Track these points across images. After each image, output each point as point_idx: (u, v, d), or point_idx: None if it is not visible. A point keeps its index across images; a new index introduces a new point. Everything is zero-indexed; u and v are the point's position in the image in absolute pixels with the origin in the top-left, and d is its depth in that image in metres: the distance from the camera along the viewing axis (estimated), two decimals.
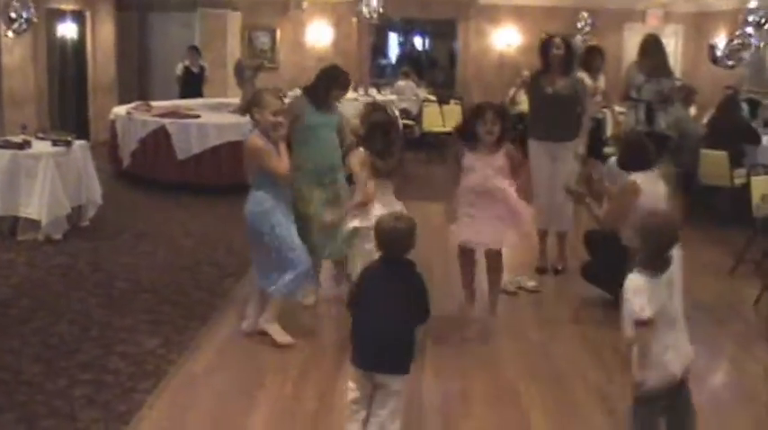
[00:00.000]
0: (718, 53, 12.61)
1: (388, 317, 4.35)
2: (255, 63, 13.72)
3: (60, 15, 14.95)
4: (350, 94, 12.48)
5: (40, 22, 12.54)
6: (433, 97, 17.66)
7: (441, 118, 16.83)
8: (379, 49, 21.24)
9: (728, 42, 12.68)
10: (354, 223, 6.04)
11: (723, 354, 6.35)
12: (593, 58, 10.71)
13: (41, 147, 9.14)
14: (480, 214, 6.33)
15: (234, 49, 17.46)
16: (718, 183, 10.08)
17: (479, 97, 17.96)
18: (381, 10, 16.33)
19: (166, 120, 11.91)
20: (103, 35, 16.36)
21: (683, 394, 4.19)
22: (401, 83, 17.08)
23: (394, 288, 4.40)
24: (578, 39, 16.87)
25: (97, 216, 9.62)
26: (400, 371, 4.39)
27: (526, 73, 8.04)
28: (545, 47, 7.90)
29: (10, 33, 10.06)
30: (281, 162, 5.81)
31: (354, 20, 18.06)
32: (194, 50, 15.60)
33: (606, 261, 7.03)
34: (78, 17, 15.51)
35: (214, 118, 12.26)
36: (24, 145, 9.03)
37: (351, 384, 4.48)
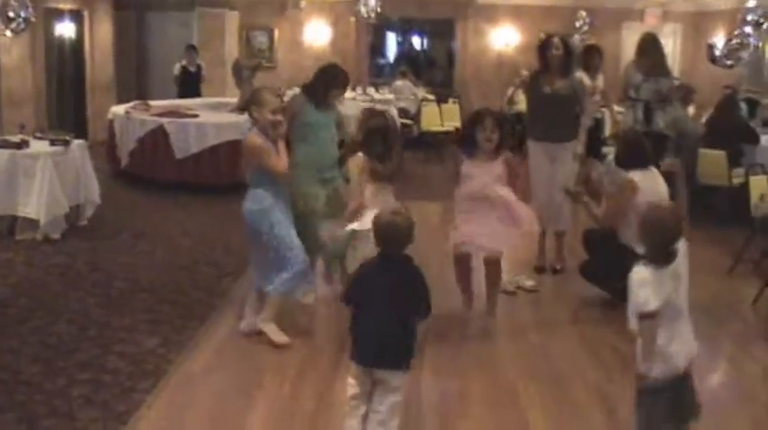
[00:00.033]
0: (717, 52, 12.59)
1: (388, 312, 4.35)
2: (253, 62, 13.72)
3: (58, 15, 14.95)
4: (348, 94, 12.50)
5: (38, 22, 12.53)
6: (431, 96, 17.66)
7: (439, 117, 16.83)
8: (378, 48, 21.24)
9: (727, 42, 12.66)
10: (353, 226, 6.04)
11: (721, 354, 6.34)
12: (591, 58, 10.71)
13: (39, 146, 9.13)
14: (478, 218, 6.30)
15: (232, 48, 17.47)
16: (717, 183, 10.08)
17: (477, 97, 18.06)
18: (379, 9, 16.33)
19: (165, 120, 11.91)
20: (101, 34, 16.36)
21: (688, 386, 4.19)
22: (399, 82, 17.09)
23: (392, 283, 4.39)
24: (576, 38, 16.86)
25: (95, 215, 9.61)
26: (400, 367, 4.40)
27: (525, 72, 8.04)
28: (543, 47, 7.89)
29: (8, 33, 10.03)
30: (279, 160, 5.80)
31: (352, 19, 18.06)
32: (192, 50, 15.58)
33: (604, 260, 7.03)
34: (76, 16, 15.52)
35: (212, 117, 12.26)
36: (22, 144, 9.03)
37: (350, 380, 4.48)
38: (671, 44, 17.64)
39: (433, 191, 10.90)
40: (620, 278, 6.62)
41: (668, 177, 8.62)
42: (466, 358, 5.95)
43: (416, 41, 22.84)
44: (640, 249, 6.61)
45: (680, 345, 4.05)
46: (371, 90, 17.81)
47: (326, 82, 6.78)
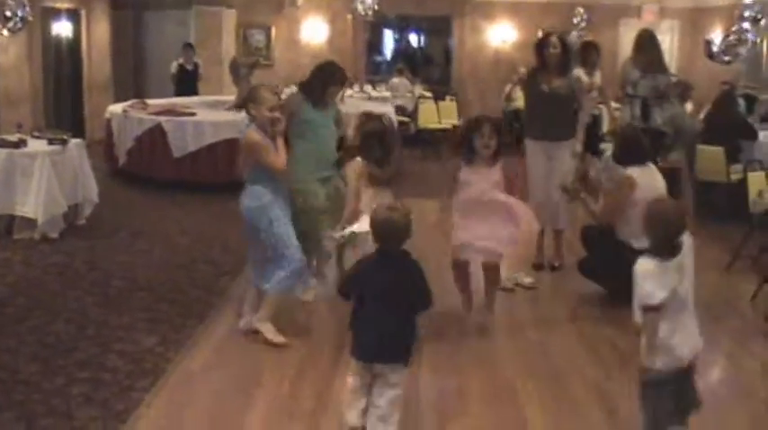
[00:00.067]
0: (715, 49, 12.59)
1: (387, 308, 4.36)
2: (251, 61, 13.73)
3: (55, 14, 14.94)
4: (347, 92, 12.52)
5: (35, 21, 12.51)
6: (428, 94, 17.67)
7: (436, 114, 16.84)
8: (375, 46, 21.21)
9: (725, 38, 12.66)
10: (353, 228, 6.04)
11: (720, 350, 6.34)
12: (588, 54, 10.72)
13: (37, 145, 9.13)
14: (476, 221, 6.26)
15: (229, 46, 17.48)
16: (715, 179, 10.09)
17: (475, 94, 18.09)
18: (376, 7, 16.35)
19: (162, 118, 11.90)
20: (99, 33, 16.35)
21: (690, 380, 4.19)
22: (395, 80, 17.10)
23: (391, 279, 4.39)
24: (574, 34, 16.87)
25: (93, 214, 9.61)
26: (399, 362, 4.41)
27: (522, 69, 8.03)
28: (541, 45, 7.88)
29: (5, 32, 10.02)
30: (278, 157, 5.79)
31: (349, 17, 18.06)
32: (189, 48, 15.58)
33: (603, 256, 7.05)
34: (73, 15, 15.50)
35: (210, 115, 12.25)
36: (20, 144, 9.02)
37: (351, 374, 4.50)
38: (668, 40, 17.64)
39: (430, 188, 10.89)
40: (617, 275, 6.69)
41: (673, 174, 8.64)
42: (464, 355, 5.94)
43: (413, 39, 22.81)
44: (638, 245, 6.66)
45: (683, 338, 4.06)
46: (368, 87, 17.83)
47: (324, 80, 6.76)
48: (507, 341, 6.28)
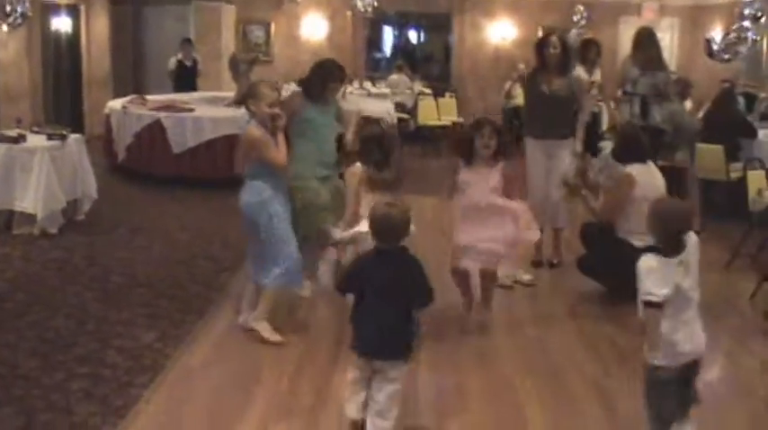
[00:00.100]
0: (715, 47, 12.56)
1: (386, 304, 4.37)
2: (250, 57, 13.70)
3: (55, 9, 14.92)
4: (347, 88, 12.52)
5: (35, 16, 12.50)
6: (428, 90, 17.67)
7: (436, 111, 16.85)
8: (374, 42, 21.20)
9: (725, 36, 12.63)
10: (353, 231, 6.04)
11: (719, 349, 6.33)
12: (588, 52, 10.72)
13: (36, 141, 9.12)
14: (478, 225, 6.26)
15: (228, 42, 17.46)
16: (714, 177, 10.08)
17: (474, 91, 18.10)
18: (376, 3, 16.36)
19: (161, 114, 11.89)
20: (98, 29, 16.33)
21: (692, 377, 4.21)
22: (395, 76, 17.10)
23: (389, 275, 4.40)
24: (573, 32, 16.86)
25: (92, 210, 9.60)
26: (398, 358, 4.42)
27: (522, 66, 8.05)
28: (541, 45, 7.88)
29: (4, 27, 10.01)
30: (279, 153, 5.78)
31: (349, 13, 18.06)
32: (187, 43, 15.54)
33: (602, 253, 7.05)
34: (73, 11, 15.48)
35: (209, 111, 12.24)
36: (19, 139, 9.01)
37: (351, 367, 4.53)
38: (668, 38, 17.63)
39: (429, 185, 10.89)
40: (617, 272, 6.70)
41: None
42: (463, 352, 5.95)
43: (413, 35, 22.82)
44: (638, 243, 6.68)
45: (686, 335, 4.07)
46: (368, 84, 17.81)
47: (323, 77, 6.76)
48: (506, 338, 6.29)
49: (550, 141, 7.79)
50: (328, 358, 5.70)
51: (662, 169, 7.21)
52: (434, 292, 4.51)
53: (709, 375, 5.76)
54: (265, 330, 5.98)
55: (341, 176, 6.69)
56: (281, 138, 5.82)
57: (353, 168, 6.29)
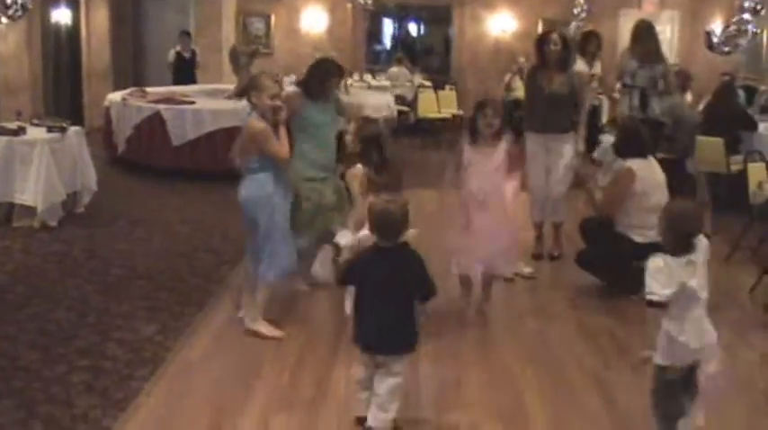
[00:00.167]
0: (715, 39, 12.59)
1: (386, 300, 4.38)
2: (250, 49, 13.71)
3: (54, 1, 14.90)
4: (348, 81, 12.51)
5: (35, 9, 12.48)
6: (428, 83, 17.66)
7: (436, 104, 16.84)
8: (374, 35, 21.19)
9: (725, 28, 12.66)
10: (358, 235, 6.03)
11: (719, 341, 6.32)
12: (588, 44, 10.71)
13: (36, 133, 9.12)
14: (478, 234, 6.31)
15: (228, 34, 17.42)
16: (715, 170, 10.08)
17: (474, 83, 18.09)
18: None
19: (161, 107, 11.89)
20: (98, 21, 16.31)
21: (695, 376, 4.23)
22: (394, 69, 17.10)
23: (389, 271, 4.41)
24: (573, 25, 16.85)
25: (92, 203, 9.61)
26: (400, 353, 4.44)
27: (522, 59, 8.05)
28: (541, 42, 7.88)
29: (4, 20, 10.00)
30: (281, 146, 5.76)
31: (349, 6, 18.06)
32: (186, 36, 15.55)
33: (601, 248, 7.05)
34: (72, 3, 15.46)
35: (209, 104, 12.24)
36: (19, 131, 9.01)
37: (356, 365, 4.56)
38: (668, 31, 17.64)
39: (429, 178, 10.87)
40: (616, 267, 6.71)
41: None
42: (463, 344, 5.95)
43: (413, 28, 22.79)
44: (637, 237, 6.70)
45: (695, 333, 4.09)
46: (368, 77, 17.80)
47: (321, 76, 6.75)
48: (506, 330, 6.29)
49: (551, 135, 7.79)
50: (329, 350, 5.70)
51: (660, 161, 7.20)
52: (435, 286, 4.52)
53: (709, 368, 5.77)
54: (263, 327, 5.97)
55: (342, 177, 6.66)
56: (282, 131, 5.79)
57: (354, 170, 6.27)
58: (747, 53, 14.54)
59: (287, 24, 18.73)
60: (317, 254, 7.00)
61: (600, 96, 11.04)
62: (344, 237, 6.25)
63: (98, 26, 16.30)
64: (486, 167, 6.28)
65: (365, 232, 5.30)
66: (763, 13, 11.83)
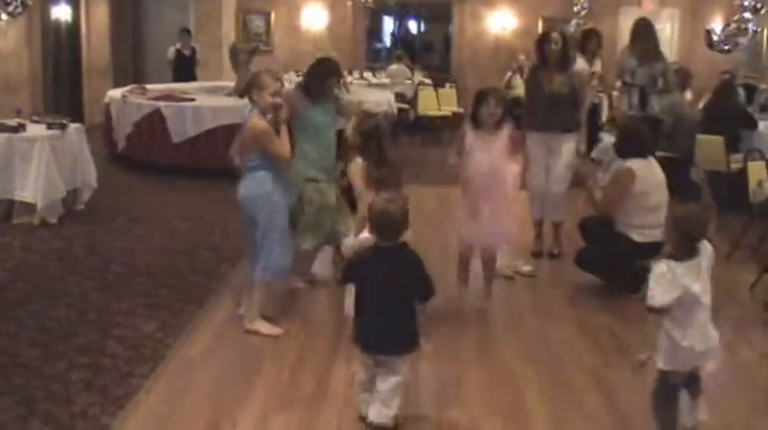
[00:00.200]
0: (715, 38, 12.58)
1: (386, 300, 4.39)
2: (250, 47, 13.67)
3: None
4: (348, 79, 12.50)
5: (35, 5, 12.46)
6: (428, 80, 17.65)
7: (436, 101, 16.83)
8: (374, 32, 21.19)
9: (725, 27, 12.65)
10: (362, 236, 6.03)
11: (719, 340, 6.34)
12: (589, 42, 10.71)
13: (36, 130, 9.12)
14: (480, 215, 6.31)
15: (228, 31, 17.42)
16: (715, 168, 10.08)
17: (474, 81, 18.02)
18: None
19: (161, 104, 11.88)
20: (98, 18, 16.31)
21: (698, 379, 4.25)
22: (394, 66, 17.07)
23: (389, 271, 4.41)
24: (573, 23, 16.85)
25: (92, 199, 9.61)
26: (400, 353, 4.45)
27: (522, 57, 8.04)
28: (542, 42, 7.88)
29: (4, 16, 10.00)
30: (283, 146, 5.75)
31: (349, 3, 18.04)
32: (185, 33, 15.53)
33: (601, 247, 7.04)
34: (73, 0, 15.44)
35: (209, 101, 12.22)
36: (19, 128, 9.01)
37: (358, 365, 4.56)
38: (669, 29, 17.63)
39: (429, 175, 10.89)
40: (615, 266, 6.71)
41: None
42: (463, 342, 5.95)
43: (413, 25, 22.79)
44: (637, 237, 6.70)
45: (695, 340, 4.10)
46: (368, 74, 17.79)
47: (320, 76, 6.75)
48: (506, 328, 6.29)
49: (551, 134, 7.79)
50: (329, 348, 5.70)
51: (660, 160, 7.19)
52: (434, 286, 4.52)
53: (709, 366, 5.78)
54: (262, 327, 5.97)
55: (343, 175, 6.66)
56: (283, 129, 5.78)
57: (354, 165, 6.26)
58: (747, 51, 14.54)
59: (287, 22, 18.72)
60: (317, 254, 7.01)
61: (600, 94, 11.04)
62: (348, 242, 6.26)
63: (98, 23, 16.29)
64: (488, 151, 6.30)
65: (366, 235, 5.31)
66: (763, 11, 11.82)
